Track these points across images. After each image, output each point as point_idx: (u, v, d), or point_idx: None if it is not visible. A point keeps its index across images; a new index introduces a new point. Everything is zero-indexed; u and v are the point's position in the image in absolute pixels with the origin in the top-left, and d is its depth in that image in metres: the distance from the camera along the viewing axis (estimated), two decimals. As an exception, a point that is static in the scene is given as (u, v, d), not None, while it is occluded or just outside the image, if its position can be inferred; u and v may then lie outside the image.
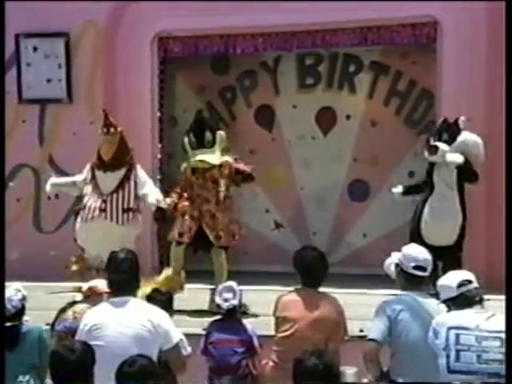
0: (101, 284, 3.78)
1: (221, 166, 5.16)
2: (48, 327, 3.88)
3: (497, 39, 5.73)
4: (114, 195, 5.50)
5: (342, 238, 6.54)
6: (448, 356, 2.69)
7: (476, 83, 5.80)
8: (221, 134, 5.32)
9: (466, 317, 2.78)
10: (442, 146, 5.28)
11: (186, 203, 5.12)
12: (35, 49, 6.47)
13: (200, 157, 5.13)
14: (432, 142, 5.33)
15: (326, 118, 6.60)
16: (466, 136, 5.39)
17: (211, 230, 5.09)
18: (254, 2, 5.99)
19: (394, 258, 3.41)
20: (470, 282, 2.84)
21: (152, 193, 5.40)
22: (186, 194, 5.18)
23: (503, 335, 2.70)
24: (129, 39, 6.37)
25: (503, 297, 3.03)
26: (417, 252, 3.38)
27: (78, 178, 5.66)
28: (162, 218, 5.31)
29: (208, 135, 5.19)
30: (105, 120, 5.55)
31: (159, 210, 5.27)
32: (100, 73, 6.45)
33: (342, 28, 6.08)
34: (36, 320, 3.88)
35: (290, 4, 5.95)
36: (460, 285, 2.83)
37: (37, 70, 6.45)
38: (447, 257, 4.93)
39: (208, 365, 3.89)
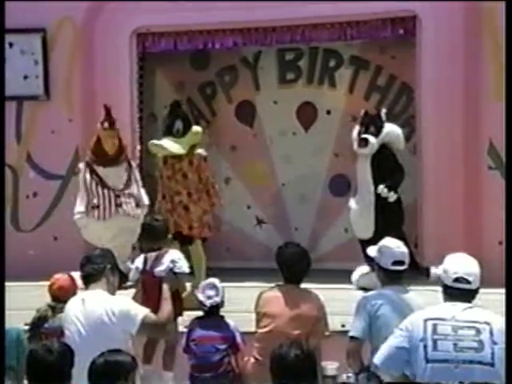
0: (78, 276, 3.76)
1: (190, 161, 5.12)
2: (26, 327, 3.83)
3: (475, 34, 5.76)
4: (127, 191, 5.51)
5: (323, 233, 6.54)
6: (425, 346, 2.69)
7: (455, 77, 5.83)
8: (196, 128, 5.28)
9: (442, 309, 2.80)
10: (372, 138, 5.42)
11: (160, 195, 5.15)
12: (11, 45, 6.37)
13: (154, 141, 5.10)
14: (362, 135, 5.48)
15: (307, 114, 6.59)
16: (389, 128, 5.55)
17: (184, 222, 5.08)
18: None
19: (371, 252, 3.40)
20: (468, 282, 2.80)
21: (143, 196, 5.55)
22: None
23: (478, 325, 2.71)
24: (107, 35, 6.30)
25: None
26: (394, 247, 3.38)
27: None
28: None
29: (178, 124, 5.17)
30: (108, 115, 5.49)
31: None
32: (78, 69, 6.38)
33: (322, 23, 6.07)
34: (14, 320, 3.83)
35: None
36: (456, 279, 2.79)
37: (13, 67, 6.35)
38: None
39: (190, 362, 3.86)
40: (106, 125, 5.49)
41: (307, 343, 2.68)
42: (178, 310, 3.94)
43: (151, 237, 4.16)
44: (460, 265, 2.83)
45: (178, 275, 3.95)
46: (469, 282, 2.79)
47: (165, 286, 3.54)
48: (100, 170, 5.48)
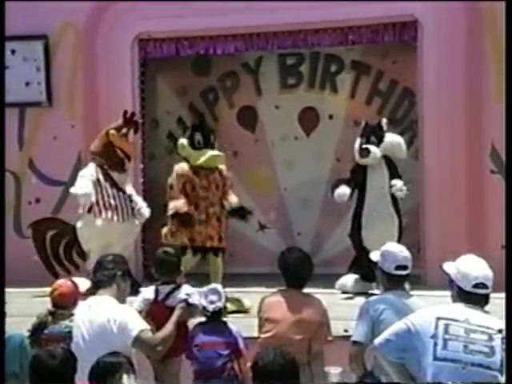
0: (82, 282, 3.76)
1: (220, 172, 5.20)
2: (28, 333, 3.83)
3: (476, 38, 5.77)
4: (133, 196, 5.55)
5: (326, 238, 6.54)
6: (435, 344, 2.69)
7: (456, 81, 5.84)
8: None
9: (456, 310, 2.79)
10: (373, 148, 5.43)
11: (191, 207, 5.12)
12: (13, 52, 6.40)
13: (213, 152, 5.09)
14: (363, 146, 5.50)
15: (309, 118, 6.60)
16: (390, 138, 5.58)
17: (216, 233, 5.11)
18: (234, 2, 5.97)
19: (374, 257, 3.40)
20: (486, 287, 2.79)
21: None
22: (187, 196, 5.16)
23: (492, 331, 2.71)
24: (109, 41, 6.33)
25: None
26: (397, 251, 3.37)
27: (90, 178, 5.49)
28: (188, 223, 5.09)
29: (212, 138, 5.22)
30: (131, 121, 5.49)
31: (179, 215, 5.02)
32: (80, 75, 6.40)
33: (323, 28, 6.09)
34: (17, 327, 3.82)
35: (271, 4, 5.94)
36: (475, 285, 2.77)
37: (15, 73, 6.38)
38: None
39: (192, 368, 3.85)
40: (125, 130, 5.49)
41: (289, 352, 2.62)
42: (183, 342, 3.89)
43: (166, 270, 4.08)
44: (479, 269, 2.80)
45: (191, 307, 3.91)
46: (487, 287, 2.79)
47: (176, 312, 3.54)
48: (115, 175, 5.48)
